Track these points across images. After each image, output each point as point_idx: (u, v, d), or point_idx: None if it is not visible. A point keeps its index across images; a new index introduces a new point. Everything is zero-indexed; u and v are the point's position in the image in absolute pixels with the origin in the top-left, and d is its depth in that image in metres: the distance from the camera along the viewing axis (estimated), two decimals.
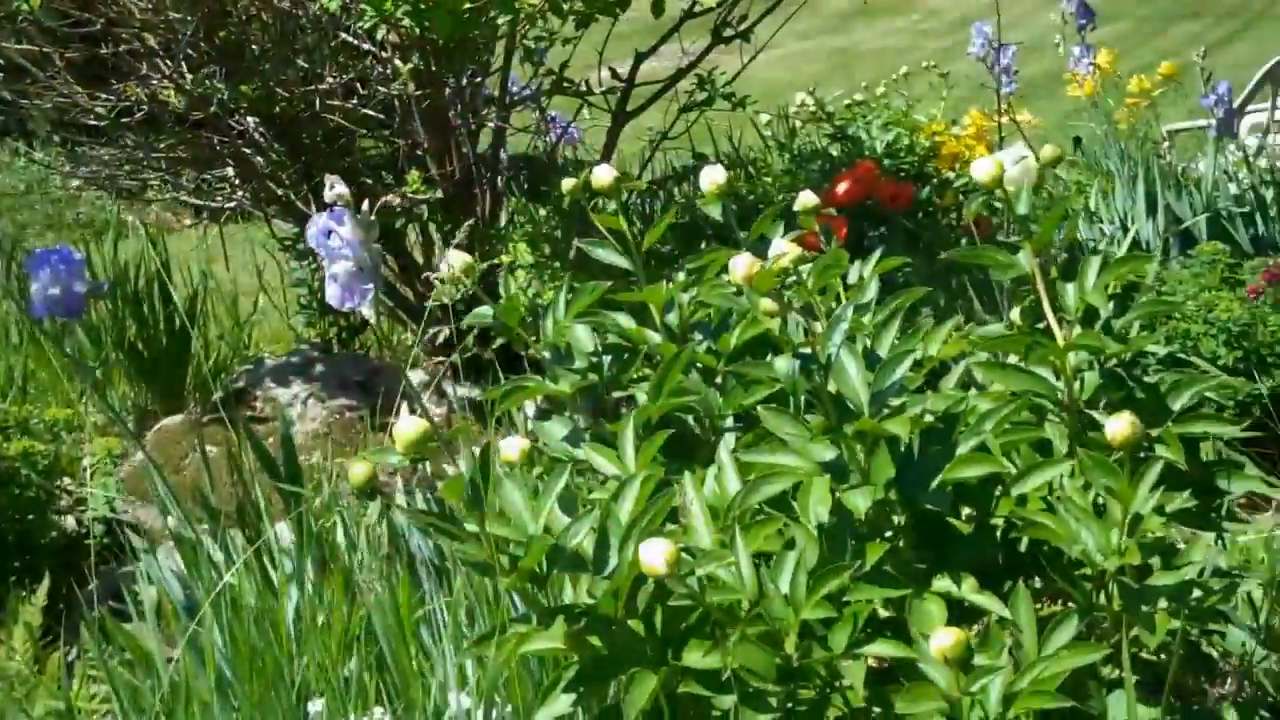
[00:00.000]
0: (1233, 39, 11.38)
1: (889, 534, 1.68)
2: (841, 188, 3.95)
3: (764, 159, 4.64)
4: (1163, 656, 1.59)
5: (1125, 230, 4.06)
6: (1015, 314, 1.93)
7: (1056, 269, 1.91)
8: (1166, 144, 4.80)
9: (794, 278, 1.66)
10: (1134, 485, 1.52)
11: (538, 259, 3.18)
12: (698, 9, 3.71)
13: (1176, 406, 1.77)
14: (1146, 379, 1.86)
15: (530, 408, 2.56)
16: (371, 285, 1.69)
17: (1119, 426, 1.46)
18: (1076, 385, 1.79)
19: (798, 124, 4.87)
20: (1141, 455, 1.64)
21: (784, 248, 1.70)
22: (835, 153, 4.55)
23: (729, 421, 1.96)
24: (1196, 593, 1.57)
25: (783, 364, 1.63)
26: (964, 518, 1.73)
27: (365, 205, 1.69)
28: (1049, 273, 1.86)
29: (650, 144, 4.03)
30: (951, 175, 4.27)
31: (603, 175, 2.07)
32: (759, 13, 3.94)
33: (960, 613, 1.60)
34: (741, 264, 1.60)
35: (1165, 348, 3.06)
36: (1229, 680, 2.00)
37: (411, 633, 1.79)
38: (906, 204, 3.87)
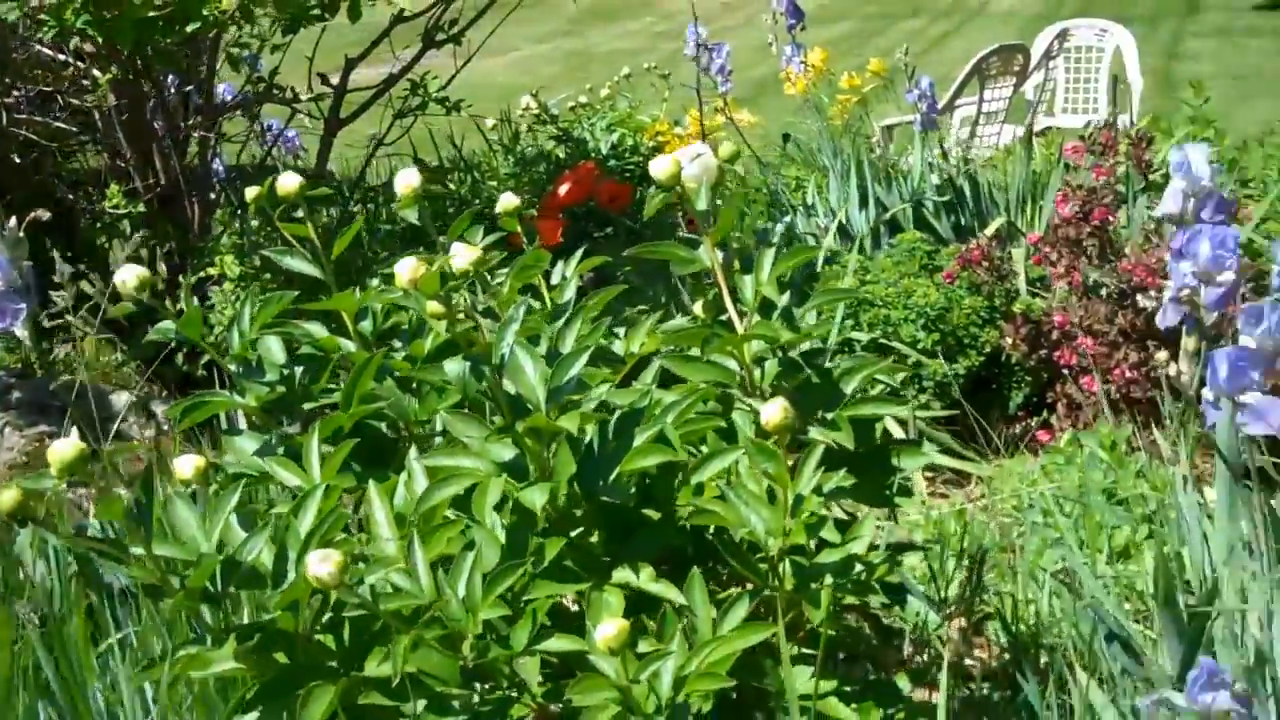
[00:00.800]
0: (948, 36, 11.94)
1: (580, 529, 1.69)
2: (563, 189, 3.98)
3: (489, 162, 4.64)
4: (835, 631, 1.64)
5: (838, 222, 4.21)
6: (698, 307, 1.97)
7: (739, 262, 1.96)
8: (876, 139, 5.00)
9: (470, 280, 1.66)
10: (800, 469, 1.57)
11: (245, 270, 3.10)
12: (407, 15, 3.68)
13: (849, 390, 1.83)
14: (827, 365, 1.92)
15: (243, 422, 2.49)
16: (24, 304, 1.62)
17: (772, 412, 1.50)
18: (758, 373, 1.84)
19: (523, 127, 4.89)
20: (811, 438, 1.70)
21: (461, 251, 1.70)
22: (561, 155, 4.59)
23: (437, 426, 1.94)
24: (859, 568, 1.63)
25: (453, 366, 1.63)
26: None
27: (12, 221, 1.62)
28: (732, 266, 1.91)
29: (367, 149, 3.99)
30: None
31: (288, 182, 2.02)
32: (476, 17, 3.94)
33: (643, 603, 1.63)
34: (405, 268, 1.59)
35: (868, 334, 3.19)
36: (920, 648, 2.09)
37: (89, 666, 1.72)
38: (625, 204, 3.92)
